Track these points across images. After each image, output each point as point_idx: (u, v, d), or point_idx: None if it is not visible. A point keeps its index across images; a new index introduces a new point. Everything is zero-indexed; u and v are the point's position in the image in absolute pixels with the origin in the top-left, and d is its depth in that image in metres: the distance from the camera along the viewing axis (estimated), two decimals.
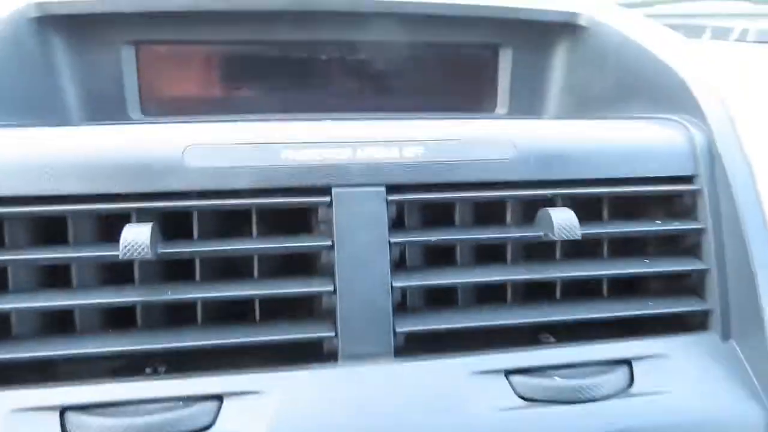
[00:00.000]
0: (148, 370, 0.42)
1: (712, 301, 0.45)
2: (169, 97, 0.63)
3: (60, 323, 0.43)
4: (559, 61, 0.66)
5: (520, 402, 0.40)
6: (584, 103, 0.62)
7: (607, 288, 0.48)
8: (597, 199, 0.48)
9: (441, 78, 0.65)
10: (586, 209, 0.46)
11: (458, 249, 0.46)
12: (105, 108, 0.61)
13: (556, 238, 0.41)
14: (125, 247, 0.38)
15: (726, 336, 0.45)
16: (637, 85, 0.56)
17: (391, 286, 0.41)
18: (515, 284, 0.46)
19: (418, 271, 0.43)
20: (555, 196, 0.44)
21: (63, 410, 0.37)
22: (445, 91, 0.66)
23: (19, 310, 0.40)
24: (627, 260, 0.46)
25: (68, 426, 0.37)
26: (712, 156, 0.47)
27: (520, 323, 0.43)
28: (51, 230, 0.43)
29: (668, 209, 0.48)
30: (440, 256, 0.47)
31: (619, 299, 0.46)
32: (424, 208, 0.47)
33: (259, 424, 0.37)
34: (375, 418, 0.38)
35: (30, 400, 0.37)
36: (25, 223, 0.42)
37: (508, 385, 0.41)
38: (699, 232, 0.46)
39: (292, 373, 0.40)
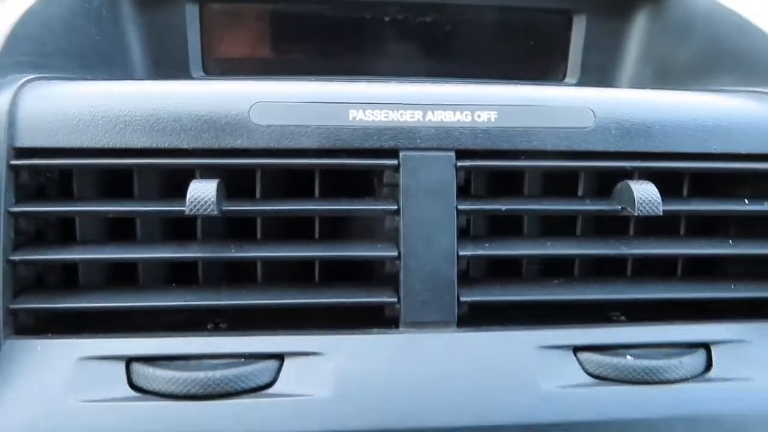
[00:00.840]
0: (209, 325, 0.42)
1: None
2: (231, 56, 0.62)
3: (123, 277, 0.43)
4: (638, 29, 0.62)
5: (589, 379, 0.39)
6: (663, 75, 0.59)
7: (682, 269, 0.45)
8: (677, 175, 0.45)
9: (509, 44, 0.63)
10: (665, 185, 0.43)
11: (525, 220, 0.44)
12: (168, 65, 0.61)
13: (636, 213, 0.38)
14: (191, 202, 0.38)
15: None
16: (727, 56, 0.52)
17: (457, 255, 0.40)
18: (584, 259, 0.44)
19: (485, 240, 0.42)
20: (635, 169, 0.42)
21: (129, 360, 0.38)
22: (512, 58, 0.63)
23: (86, 261, 0.41)
24: (709, 240, 0.43)
25: (133, 376, 0.37)
26: None
27: (590, 299, 0.41)
28: (115, 185, 0.43)
29: (756, 188, 0.45)
30: (504, 227, 0.45)
31: (697, 281, 0.43)
32: (492, 175, 0.45)
33: (320, 385, 0.37)
34: (436, 386, 0.37)
35: (97, 350, 0.38)
36: (92, 176, 0.42)
37: (576, 361, 0.39)
38: None
39: (352, 337, 0.39)
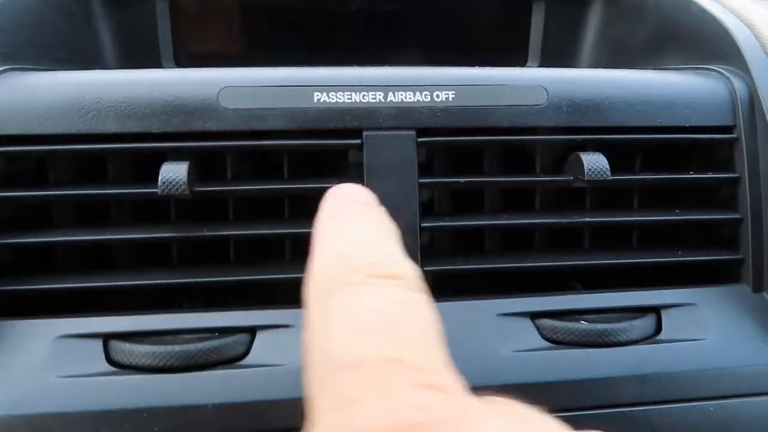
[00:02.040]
0: (184, 304, 0.43)
1: (744, 252, 0.45)
2: (201, 48, 0.63)
3: (100, 260, 0.45)
4: (595, 14, 0.64)
5: (545, 344, 0.41)
6: (619, 57, 0.61)
7: (638, 239, 0.48)
8: (630, 150, 0.47)
9: (472, 32, 0.65)
10: (619, 159, 0.45)
11: (486, 195, 0.46)
12: (140, 60, 0.62)
13: (585, 179, 0.40)
14: (163, 183, 0.39)
15: (758, 288, 0.44)
16: (676, 36, 0.54)
17: (420, 227, 0.42)
18: (543, 232, 0.47)
19: (447, 214, 0.44)
20: (586, 141, 0.44)
21: (106, 338, 0.39)
22: (475, 46, 0.65)
23: (62, 244, 0.42)
24: (658, 211, 0.46)
25: (111, 352, 0.39)
26: (753, 106, 0.46)
27: (546, 266, 0.43)
28: (89, 171, 0.44)
29: (704, 161, 0.48)
30: (468, 205, 0.47)
31: (649, 249, 0.46)
32: (454, 154, 0.47)
33: (291, 355, 0.39)
34: None
35: (76, 328, 0.39)
36: (67, 162, 0.44)
37: (534, 327, 0.41)
38: (734, 182, 0.45)
39: None
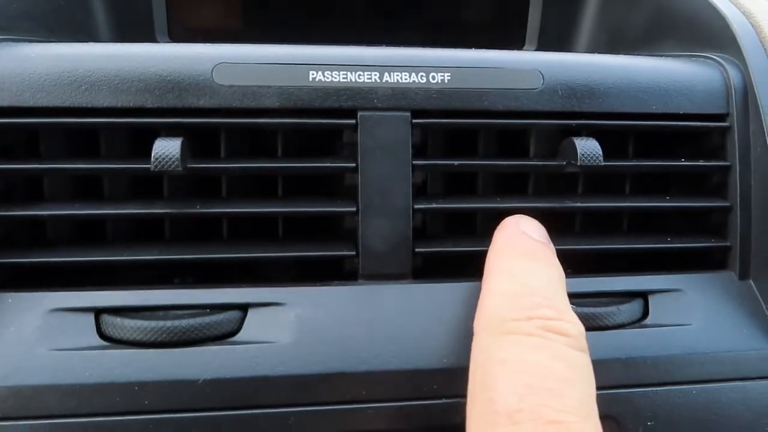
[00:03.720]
0: (176, 281, 0.43)
1: (732, 240, 0.45)
2: (196, 22, 0.63)
3: (91, 235, 0.45)
4: None
5: None
6: (616, 42, 0.61)
7: (628, 225, 0.48)
8: (623, 136, 0.47)
9: (468, 13, 0.64)
10: (612, 145, 0.46)
11: (480, 178, 0.46)
12: (133, 32, 0.61)
13: (578, 164, 0.40)
14: (156, 159, 0.39)
15: (744, 275, 0.45)
16: (673, 23, 0.54)
17: (413, 209, 0.42)
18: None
19: (440, 196, 0.44)
20: (581, 126, 0.44)
21: (98, 312, 0.39)
22: (472, 27, 0.64)
23: (53, 218, 0.42)
24: (649, 197, 0.46)
25: (103, 326, 0.39)
26: (746, 95, 0.46)
27: None
28: (81, 145, 0.44)
29: (696, 148, 0.48)
30: (462, 188, 0.47)
31: (639, 235, 0.46)
32: (448, 136, 0.47)
33: (282, 332, 0.39)
34: (391, 332, 0.40)
35: (67, 302, 0.39)
36: (59, 136, 0.43)
37: None
38: (725, 170, 0.45)
39: (313, 289, 0.41)
